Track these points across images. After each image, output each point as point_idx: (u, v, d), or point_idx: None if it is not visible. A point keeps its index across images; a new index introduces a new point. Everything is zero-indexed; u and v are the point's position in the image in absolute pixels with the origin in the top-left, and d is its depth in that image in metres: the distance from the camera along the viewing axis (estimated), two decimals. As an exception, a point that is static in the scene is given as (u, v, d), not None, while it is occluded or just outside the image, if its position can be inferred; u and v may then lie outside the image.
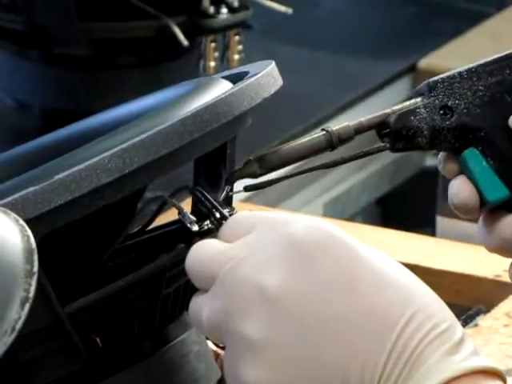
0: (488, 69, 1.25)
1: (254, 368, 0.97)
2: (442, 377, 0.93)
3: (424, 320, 0.94)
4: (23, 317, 0.96)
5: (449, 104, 1.24)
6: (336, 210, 1.69)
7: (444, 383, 0.93)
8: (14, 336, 0.99)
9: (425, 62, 1.80)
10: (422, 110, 1.19)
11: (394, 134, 1.15)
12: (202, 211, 1.14)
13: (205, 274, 1.00)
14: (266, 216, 1.07)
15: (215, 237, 1.09)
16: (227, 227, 1.06)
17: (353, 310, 0.97)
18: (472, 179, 1.19)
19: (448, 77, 1.22)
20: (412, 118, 1.21)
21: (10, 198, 0.99)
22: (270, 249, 0.99)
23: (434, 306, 0.98)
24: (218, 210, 1.10)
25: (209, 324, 0.99)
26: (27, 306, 1.00)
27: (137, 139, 1.04)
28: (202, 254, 1.02)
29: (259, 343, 0.97)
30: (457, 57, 1.81)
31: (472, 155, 1.22)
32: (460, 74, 1.18)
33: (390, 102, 1.76)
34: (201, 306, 1.00)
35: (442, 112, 1.25)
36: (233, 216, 1.08)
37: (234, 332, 0.97)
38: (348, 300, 0.97)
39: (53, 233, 1.02)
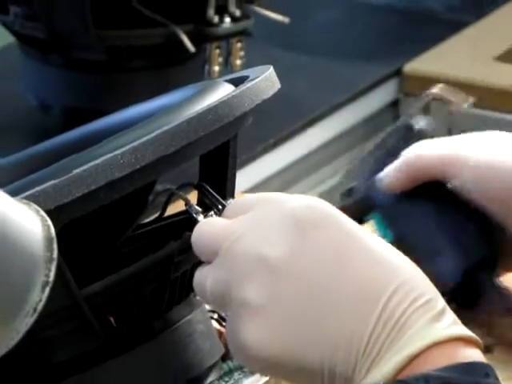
0: (376, 148, 1.53)
1: (255, 331, 1.00)
2: (425, 342, 0.96)
3: (408, 292, 0.98)
4: (44, 299, 0.96)
5: (351, 186, 1.51)
6: (332, 201, 1.71)
7: (427, 348, 0.95)
8: (35, 317, 1.00)
9: (409, 67, 1.80)
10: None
11: None
12: (206, 203, 1.16)
13: (209, 247, 1.05)
14: (265, 195, 1.10)
15: None
16: (230, 207, 1.12)
17: (343, 283, 1.00)
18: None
19: (355, 163, 1.55)
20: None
21: (32, 191, 1.01)
22: (270, 223, 1.04)
23: (418, 280, 1.01)
24: (220, 201, 1.15)
25: (212, 293, 1.04)
26: (47, 290, 1.00)
27: (147, 137, 1.07)
28: (206, 229, 1.07)
29: (260, 308, 1.00)
30: (438, 62, 1.81)
31: (373, 216, 1.50)
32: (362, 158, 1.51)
33: (377, 103, 1.84)
34: (205, 277, 1.04)
35: (347, 194, 1.54)
36: (235, 199, 1.15)
37: (236, 299, 1.00)
38: (339, 273, 1.00)
39: (71, 222, 1.04)
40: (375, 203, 1.45)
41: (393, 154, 1.44)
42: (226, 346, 1.24)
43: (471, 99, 1.58)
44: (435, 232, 1.40)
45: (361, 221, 1.42)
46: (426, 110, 1.62)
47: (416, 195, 1.44)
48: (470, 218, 1.40)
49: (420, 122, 1.49)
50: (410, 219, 1.43)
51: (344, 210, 1.23)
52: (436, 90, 1.66)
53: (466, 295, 1.39)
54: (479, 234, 1.40)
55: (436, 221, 1.42)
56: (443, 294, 1.14)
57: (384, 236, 1.42)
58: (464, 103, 1.62)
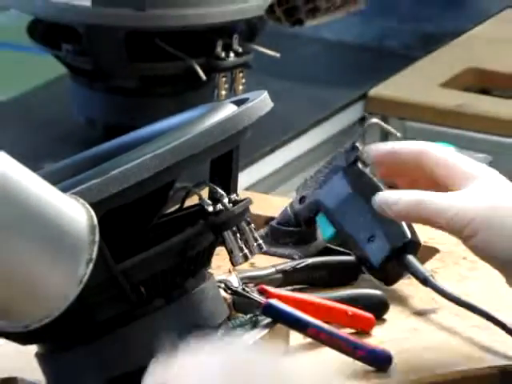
0: (324, 166, 1.54)
1: None
2: None
3: None
4: (88, 273, 1.04)
5: (303, 194, 1.54)
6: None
7: None
8: (81, 286, 1.03)
9: (373, 92, 1.80)
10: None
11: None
12: (215, 197, 1.16)
13: None
14: None
15: (227, 215, 1.17)
16: None
17: None
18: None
19: (306, 179, 1.59)
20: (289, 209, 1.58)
21: (79, 188, 1.05)
22: None
23: None
24: (225, 197, 1.15)
25: None
26: (90, 265, 1.03)
27: (168, 146, 1.10)
28: None
29: None
30: (395, 88, 1.82)
31: (319, 217, 1.52)
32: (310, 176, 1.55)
33: (348, 120, 1.83)
34: None
35: (300, 201, 1.55)
36: None
37: None
38: None
39: (109, 212, 1.07)
40: (321, 206, 1.45)
41: (336, 171, 1.45)
42: (229, 309, 1.27)
43: (399, 133, 1.60)
44: (368, 224, 1.38)
45: (310, 220, 1.48)
46: (364, 136, 1.68)
47: (352, 196, 1.43)
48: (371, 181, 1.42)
49: (360, 146, 1.46)
50: (348, 215, 1.42)
51: (296, 214, 1.55)
52: (375, 119, 1.68)
53: (388, 273, 1.42)
54: (403, 224, 1.38)
55: (368, 215, 1.40)
56: (371, 271, 1.40)
57: (327, 230, 1.48)
58: (396, 131, 1.62)
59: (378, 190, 1.36)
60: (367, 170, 1.42)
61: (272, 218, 1.48)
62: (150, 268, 1.13)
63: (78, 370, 1.14)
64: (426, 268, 1.35)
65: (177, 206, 1.22)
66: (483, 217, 1.24)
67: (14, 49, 1.85)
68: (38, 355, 1.14)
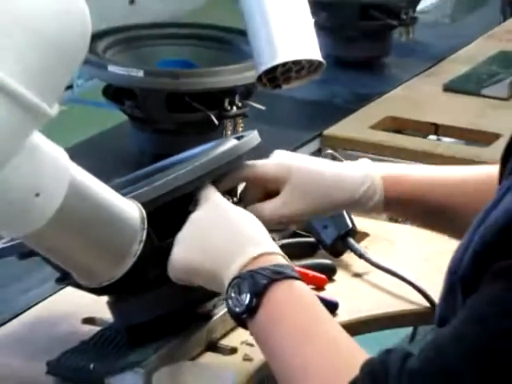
0: None
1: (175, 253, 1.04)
2: (255, 253, 0.96)
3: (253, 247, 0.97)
4: (140, 249, 1.06)
5: None
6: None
7: (254, 258, 0.95)
8: (135, 258, 1.04)
9: (326, 132, 1.77)
10: None
11: None
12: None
13: None
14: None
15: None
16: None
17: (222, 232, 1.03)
18: None
19: None
20: None
21: (134, 193, 1.07)
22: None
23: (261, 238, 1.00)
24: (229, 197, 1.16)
25: None
26: (141, 244, 1.05)
27: (192, 166, 1.12)
28: None
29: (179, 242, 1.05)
30: (343, 129, 1.79)
31: None
32: None
33: (309, 151, 1.71)
34: None
35: None
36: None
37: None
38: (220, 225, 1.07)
39: (156, 208, 1.07)
40: None
41: None
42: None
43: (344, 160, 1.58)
44: (323, 218, 1.35)
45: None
46: None
47: None
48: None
49: None
50: None
51: None
52: (329, 150, 1.62)
53: (336, 249, 1.38)
54: (345, 216, 1.36)
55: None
56: (325, 248, 1.38)
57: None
58: (342, 158, 1.57)
59: None
60: None
61: None
62: None
63: (134, 312, 1.12)
64: (361, 246, 1.36)
65: None
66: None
67: (94, 105, 1.88)
68: (109, 303, 1.13)
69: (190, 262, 1.04)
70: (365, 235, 1.40)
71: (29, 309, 1.22)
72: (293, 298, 0.93)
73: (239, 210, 1.09)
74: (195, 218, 1.08)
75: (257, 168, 1.19)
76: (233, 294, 0.93)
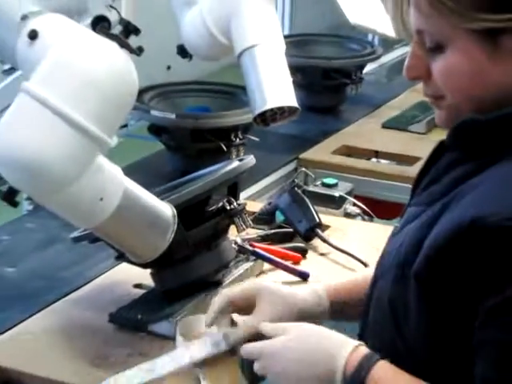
0: (278, 191, 1.54)
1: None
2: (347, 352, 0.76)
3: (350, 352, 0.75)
4: (172, 236, 1.04)
5: (270, 201, 1.45)
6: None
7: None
8: (169, 242, 1.03)
9: (302, 155, 1.74)
10: None
11: None
12: (230, 202, 1.14)
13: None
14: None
15: (235, 210, 1.15)
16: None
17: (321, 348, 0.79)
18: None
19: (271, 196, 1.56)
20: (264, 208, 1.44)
21: (168, 198, 1.05)
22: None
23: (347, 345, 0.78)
24: (234, 202, 1.14)
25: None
26: (173, 234, 1.03)
27: (209, 179, 1.11)
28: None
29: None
30: (312, 154, 1.75)
31: (277, 212, 1.39)
32: None
33: (289, 170, 1.71)
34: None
35: (269, 204, 1.44)
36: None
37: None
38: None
39: (184, 209, 1.05)
40: (278, 207, 1.38)
41: (284, 192, 1.40)
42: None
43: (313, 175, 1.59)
44: (298, 214, 1.33)
45: (273, 213, 1.39)
46: (297, 177, 1.59)
47: (290, 203, 1.36)
48: (309, 208, 1.34)
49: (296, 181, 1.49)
50: (289, 211, 1.35)
51: (267, 210, 1.42)
52: (303, 168, 1.64)
53: (307, 237, 1.35)
54: (314, 213, 1.34)
55: (298, 209, 1.34)
56: (300, 236, 1.34)
57: (280, 218, 1.38)
58: (312, 174, 1.59)
59: (304, 201, 1.36)
60: (299, 191, 1.40)
61: (254, 213, 1.40)
62: (202, 233, 1.10)
63: (168, 280, 1.12)
64: (325, 234, 1.34)
65: (213, 207, 1.14)
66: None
67: (141, 138, 1.87)
68: (151, 273, 1.12)
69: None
70: (327, 227, 1.38)
71: (96, 277, 1.22)
72: (388, 375, 0.76)
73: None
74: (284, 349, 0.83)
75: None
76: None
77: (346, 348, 0.78)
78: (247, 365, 0.88)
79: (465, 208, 0.70)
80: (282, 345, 0.82)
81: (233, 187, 1.17)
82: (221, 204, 1.14)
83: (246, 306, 0.93)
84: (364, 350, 0.78)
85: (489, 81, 0.72)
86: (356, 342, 0.79)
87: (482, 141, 0.74)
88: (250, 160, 1.19)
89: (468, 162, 0.75)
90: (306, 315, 0.95)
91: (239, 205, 1.16)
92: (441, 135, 0.86)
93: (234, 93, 1.69)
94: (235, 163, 1.18)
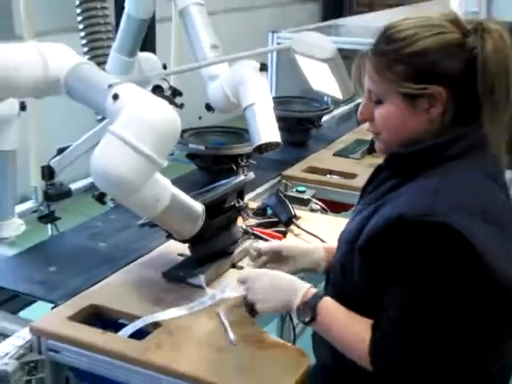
0: (270, 196, 1.35)
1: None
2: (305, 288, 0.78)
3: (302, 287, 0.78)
4: (202, 223, 1.00)
5: (263, 202, 1.35)
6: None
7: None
8: (199, 227, 0.99)
9: (284, 172, 1.66)
10: None
11: None
12: (239, 201, 1.13)
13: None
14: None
15: (241, 206, 1.11)
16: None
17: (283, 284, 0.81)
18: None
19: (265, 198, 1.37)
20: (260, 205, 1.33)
21: (200, 199, 1.02)
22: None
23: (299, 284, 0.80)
24: (241, 202, 1.12)
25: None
26: (202, 221, 1.00)
27: (223, 188, 1.09)
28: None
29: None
30: (293, 172, 1.67)
31: (268, 208, 1.33)
32: None
33: (274, 183, 1.62)
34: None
35: (262, 204, 1.34)
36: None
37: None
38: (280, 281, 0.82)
39: (208, 206, 1.01)
40: (268, 205, 1.32)
41: (273, 195, 1.34)
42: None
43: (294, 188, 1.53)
44: (281, 210, 1.29)
45: (265, 209, 1.33)
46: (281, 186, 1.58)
47: (277, 203, 1.30)
48: (288, 206, 1.30)
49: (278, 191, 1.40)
50: (276, 208, 1.31)
51: (261, 207, 1.34)
52: (285, 181, 1.61)
53: (287, 224, 1.28)
54: (291, 208, 1.28)
55: (281, 207, 1.30)
56: (282, 223, 1.27)
57: (270, 212, 1.31)
58: (291, 188, 1.54)
59: (285, 201, 1.31)
60: (282, 195, 1.34)
61: (253, 209, 1.35)
62: (220, 221, 1.07)
63: (199, 251, 1.10)
64: (298, 222, 1.30)
65: (228, 204, 1.10)
66: None
67: (182, 162, 1.68)
68: (188, 246, 1.09)
69: (273, 302, 0.82)
70: (299, 217, 1.34)
71: (154, 249, 1.20)
72: (329, 305, 0.78)
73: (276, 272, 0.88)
74: (261, 276, 0.85)
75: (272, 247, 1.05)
76: (301, 313, 0.77)
77: (304, 286, 0.80)
78: (249, 304, 0.88)
79: (393, 208, 0.72)
80: (262, 273, 0.86)
81: (240, 192, 1.16)
82: (233, 203, 1.12)
83: (272, 258, 0.99)
84: (314, 289, 0.80)
85: (408, 126, 0.75)
86: (310, 285, 0.81)
87: (404, 165, 0.77)
88: (250, 175, 1.19)
89: (395, 178, 0.78)
90: (312, 264, 0.98)
91: (244, 204, 1.15)
92: (370, 161, 0.87)
93: (241, 133, 1.67)
94: (241, 177, 1.18)
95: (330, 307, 0.77)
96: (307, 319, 0.76)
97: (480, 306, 0.65)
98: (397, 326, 0.68)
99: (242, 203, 1.14)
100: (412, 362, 0.66)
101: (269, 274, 0.85)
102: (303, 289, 0.79)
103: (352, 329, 0.74)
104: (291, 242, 1.09)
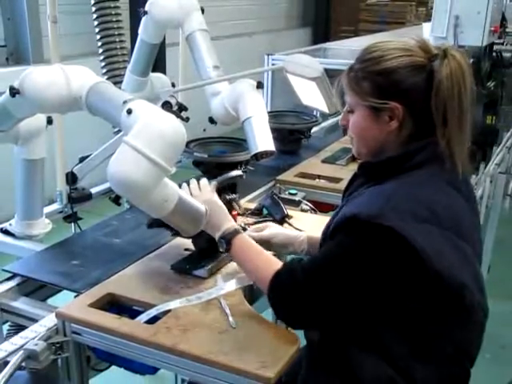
0: (265, 197, 1.31)
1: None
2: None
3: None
4: (204, 221, 0.95)
5: (259, 203, 1.29)
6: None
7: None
8: (202, 226, 0.95)
9: (278, 177, 1.64)
10: None
11: None
12: (232, 194, 1.13)
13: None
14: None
15: (233, 198, 1.11)
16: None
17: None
18: None
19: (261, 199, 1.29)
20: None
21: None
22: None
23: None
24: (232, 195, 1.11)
25: None
26: (205, 219, 0.96)
27: (218, 179, 1.06)
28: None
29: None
30: (286, 177, 1.64)
31: (264, 208, 1.29)
32: None
33: (267, 190, 1.58)
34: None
35: (259, 204, 1.29)
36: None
37: None
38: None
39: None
40: (264, 205, 1.29)
41: (267, 197, 1.31)
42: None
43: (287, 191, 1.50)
44: (275, 210, 1.28)
45: (262, 209, 1.30)
46: (275, 190, 1.54)
47: (271, 203, 1.29)
48: (281, 206, 1.28)
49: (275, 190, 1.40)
50: (270, 207, 1.30)
51: (257, 207, 1.31)
52: (279, 185, 1.59)
53: (281, 222, 1.25)
54: (284, 208, 1.26)
55: (275, 207, 1.28)
56: (276, 221, 1.22)
57: (266, 212, 1.29)
58: (284, 191, 1.50)
59: (278, 202, 1.30)
60: (276, 197, 1.33)
61: (251, 209, 1.34)
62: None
63: (201, 244, 1.07)
64: (290, 221, 1.29)
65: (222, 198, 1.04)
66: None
67: (188, 169, 1.56)
68: (192, 241, 1.08)
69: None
70: (291, 217, 1.33)
71: (163, 245, 1.19)
72: (243, 241, 0.87)
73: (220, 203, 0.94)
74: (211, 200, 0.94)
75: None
76: (221, 242, 0.89)
77: (229, 224, 0.89)
78: (248, 292, 0.89)
79: (351, 207, 0.75)
80: (213, 201, 0.94)
81: (233, 187, 1.15)
82: (227, 196, 1.12)
83: (262, 244, 0.94)
84: (236, 227, 0.88)
85: (372, 134, 0.77)
86: (233, 224, 0.89)
87: (372, 173, 0.77)
88: (239, 173, 1.19)
89: (367, 183, 0.79)
90: (296, 248, 1.01)
91: (234, 197, 1.16)
92: (354, 167, 0.89)
93: (240, 143, 1.65)
94: (233, 173, 1.17)
95: (243, 242, 0.85)
96: (222, 250, 0.88)
97: (397, 288, 0.66)
98: (302, 267, 0.73)
99: (232, 196, 1.14)
100: (295, 294, 0.70)
101: (213, 203, 0.92)
102: (227, 225, 0.88)
103: (262, 257, 0.82)
104: (279, 229, 1.06)
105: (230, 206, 1.14)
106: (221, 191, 1.08)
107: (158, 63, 1.66)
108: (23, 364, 0.73)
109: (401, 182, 0.71)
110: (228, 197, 1.10)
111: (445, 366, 0.69)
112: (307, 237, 1.01)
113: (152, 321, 0.86)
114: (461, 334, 0.70)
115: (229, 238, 0.86)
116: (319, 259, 0.73)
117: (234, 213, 1.15)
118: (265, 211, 1.34)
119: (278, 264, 0.78)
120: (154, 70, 1.52)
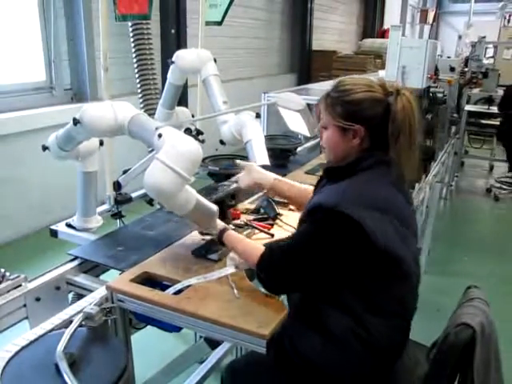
0: (261, 199, 1.19)
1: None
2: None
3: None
4: (216, 219, 0.93)
5: (258, 203, 1.18)
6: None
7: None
8: (215, 221, 0.92)
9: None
10: None
11: None
12: (232, 199, 1.06)
13: None
14: None
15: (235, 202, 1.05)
16: None
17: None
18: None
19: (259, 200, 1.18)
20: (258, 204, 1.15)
21: (211, 199, 0.95)
22: None
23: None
24: (233, 201, 1.03)
25: None
26: (217, 217, 0.94)
27: (223, 192, 1.02)
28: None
29: None
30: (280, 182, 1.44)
31: (263, 207, 1.17)
32: None
33: (261, 198, 1.39)
34: None
35: (258, 203, 1.18)
36: None
37: None
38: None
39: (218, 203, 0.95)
40: (261, 206, 1.22)
41: (265, 198, 1.22)
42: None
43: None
44: (269, 208, 1.22)
45: (259, 210, 1.21)
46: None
47: (267, 203, 1.19)
48: (274, 206, 1.22)
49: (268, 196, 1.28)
50: (266, 207, 1.23)
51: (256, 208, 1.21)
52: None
53: (273, 219, 1.19)
54: (276, 208, 1.20)
55: (269, 207, 1.21)
56: (270, 218, 1.14)
57: (262, 211, 1.20)
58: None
59: (272, 205, 1.25)
60: (270, 200, 1.27)
61: (250, 208, 1.29)
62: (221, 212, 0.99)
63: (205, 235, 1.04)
64: (281, 218, 1.26)
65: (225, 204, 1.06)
66: None
67: (203, 178, 1.46)
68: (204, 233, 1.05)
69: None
70: (282, 214, 1.30)
71: (185, 236, 1.17)
72: (231, 235, 0.88)
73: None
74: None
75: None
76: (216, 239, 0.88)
77: (222, 223, 0.89)
78: (249, 271, 0.88)
79: (316, 198, 0.76)
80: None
81: (233, 195, 1.15)
82: (229, 202, 1.12)
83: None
84: (225, 226, 0.87)
85: (339, 147, 0.80)
86: (224, 226, 0.88)
87: (333, 175, 0.80)
88: (238, 186, 1.15)
89: (329, 182, 0.82)
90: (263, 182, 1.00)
91: (235, 203, 1.15)
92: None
93: (243, 159, 1.63)
94: (234, 185, 1.15)
95: (231, 236, 0.86)
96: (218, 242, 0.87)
97: (353, 261, 0.67)
98: (280, 248, 0.73)
99: (233, 202, 1.14)
100: (276, 268, 0.71)
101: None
102: (220, 227, 0.89)
103: (248, 245, 0.82)
104: (256, 170, 1.03)
105: (229, 210, 1.14)
106: (224, 199, 1.08)
107: (182, 99, 1.68)
108: (83, 323, 0.76)
109: (353, 180, 0.73)
110: (229, 203, 1.10)
111: (390, 318, 0.70)
112: (273, 184, 1.02)
113: (177, 293, 0.86)
114: (400, 293, 0.71)
115: (219, 236, 0.88)
116: (293, 240, 0.73)
117: (238, 212, 1.14)
118: (261, 210, 1.32)
119: (261, 249, 0.77)
120: (178, 105, 1.53)
